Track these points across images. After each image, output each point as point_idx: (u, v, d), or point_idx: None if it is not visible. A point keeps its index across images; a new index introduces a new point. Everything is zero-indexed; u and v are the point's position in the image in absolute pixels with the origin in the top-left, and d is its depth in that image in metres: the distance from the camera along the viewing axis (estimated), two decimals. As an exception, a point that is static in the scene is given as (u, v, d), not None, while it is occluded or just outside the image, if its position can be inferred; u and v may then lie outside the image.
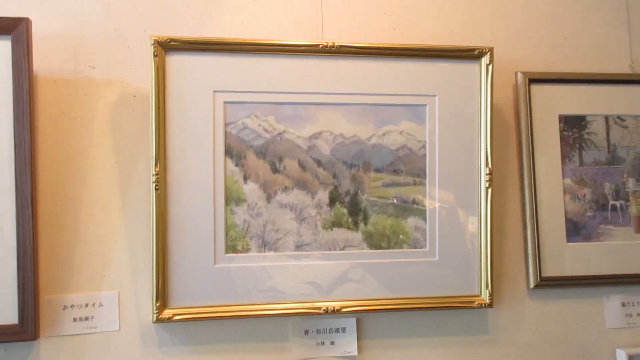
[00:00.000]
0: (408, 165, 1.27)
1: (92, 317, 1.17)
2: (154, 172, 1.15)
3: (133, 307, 1.18)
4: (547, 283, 1.31)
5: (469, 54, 1.26)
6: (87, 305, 1.17)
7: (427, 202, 1.26)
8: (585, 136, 1.35)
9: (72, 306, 1.16)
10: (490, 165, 1.26)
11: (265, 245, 1.22)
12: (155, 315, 1.15)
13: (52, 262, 1.15)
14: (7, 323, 1.10)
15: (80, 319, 1.16)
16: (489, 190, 1.26)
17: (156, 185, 1.15)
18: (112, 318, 1.18)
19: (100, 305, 1.17)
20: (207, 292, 1.19)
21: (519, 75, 1.32)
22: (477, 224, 1.27)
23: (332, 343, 1.25)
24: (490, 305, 1.27)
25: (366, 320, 1.26)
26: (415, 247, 1.27)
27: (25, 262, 1.11)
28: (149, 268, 1.16)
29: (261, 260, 1.21)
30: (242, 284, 1.20)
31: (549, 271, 1.31)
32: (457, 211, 1.27)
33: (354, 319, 1.25)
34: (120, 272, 1.18)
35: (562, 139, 1.34)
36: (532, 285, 1.31)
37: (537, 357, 1.31)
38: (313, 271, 1.23)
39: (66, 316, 1.15)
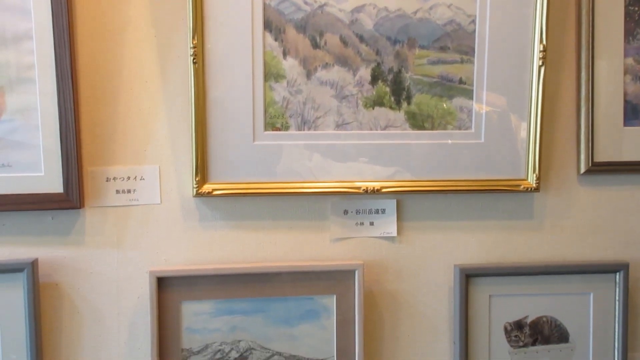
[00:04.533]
0: (456, 42, 1.20)
1: (134, 190, 1.19)
2: (191, 45, 1.13)
3: (174, 182, 1.19)
4: (599, 168, 1.25)
5: None
6: (129, 178, 1.18)
7: (475, 81, 1.20)
8: (653, 12, 1.24)
9: (114, 178, 1.18)
10: (544, 42, 1.18)
11: (304, 123, 1.19)
12: (195, 190, 1.16)
13: (95, 136, 1.16)
14: (53, 192, 1.14)
15: (123, 191, 1.18)
16: (542, 69, 1.18)
17: (194, 59, 1.13)
18: (153, 192, 1.19)
19: (142, 178, 1.19)
20: (246, 169, 1.18)
21: (583, -57, 1.21)
22: (527, 105, 1.21)
23: (372, 224, 1.24)
24: (537, 189, 1.22)
25: (406, 202, 1.24)
26: (460, 129, 1.22)
27: (67, 133, 1.12)
28: (188, 144, 1.16)
29: (300, 138, 1.19)
30: (280, 161, 1.19)
31: (602, 156, 1.25)
32: (506, 91, 1.20)
33: (394, 201, 1.23)
34: (160, 147, 1.18)
35: (627, 14, 1.23)
36: (582, 170, 1.25)
37: (583, 244, 1.28)
38: (353, 151, 1.20)
39: (109, 188, 1.18)
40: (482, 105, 1.21)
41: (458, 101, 1.21)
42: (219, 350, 1.18)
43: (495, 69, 1.20)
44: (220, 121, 1.16)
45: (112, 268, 1.19)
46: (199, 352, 1.18)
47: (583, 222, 1.28)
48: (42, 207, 1.14)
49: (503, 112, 1.21)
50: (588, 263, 1.26)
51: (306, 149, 1.19)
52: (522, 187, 1.23)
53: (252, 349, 1.19)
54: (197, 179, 1.16)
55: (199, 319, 1.18)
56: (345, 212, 1.24)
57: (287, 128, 1.19)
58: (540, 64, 1.19)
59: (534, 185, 1.22)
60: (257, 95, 1.17)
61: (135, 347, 1.19)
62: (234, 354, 1.19)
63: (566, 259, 1.27)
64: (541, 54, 1.18)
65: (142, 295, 1.19)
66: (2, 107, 1.12)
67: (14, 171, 1.13)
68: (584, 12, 1.22)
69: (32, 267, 1.13)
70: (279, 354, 1.20)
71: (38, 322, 1.15)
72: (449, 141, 1.21)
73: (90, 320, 1.18)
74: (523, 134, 1.22)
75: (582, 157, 1.25)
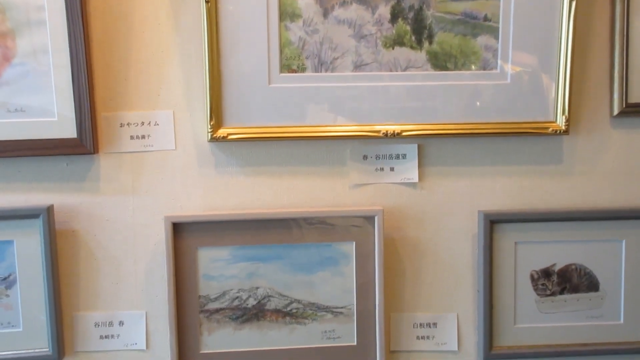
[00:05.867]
0: (480, -24, 1.14)
1: (149, 136, 1.16)
2: (203, -16, 1.09)
3: (188, 127, 1.16)
4: (633, 110, 1.18)
5: None
6: (143, 123, 1.16)
7: (501, 18, 1.14)
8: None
9: (128, 124, 1.16)
10: (576, -27, 1.11)
11: (321, 64, 1.15)
12: (209, 134, 1.13)
13: (107, 80, 1.14)
14: (66, 137, 1.12)
15: (137, 137, 1.16)
16: (573, 3, 1.11)
17: (206, -1, 1.10)
18: (168, 137, 1.17)
19: (156, 124, 1.16)
20: (261, 112, 1.15)
21: None
22: (556, 42, 1.14)
23: (392, 169, 1.20)
24: (566, 132, 1.16)
25: (428, 146, 1.19)
26: (484, 69, 1.16)
27: (79, 77, 1.10)
28: (202, 87, 1.13)
29: (317, 80, 1.15)
30: (297, 105, 1.15)
31: (637, 97, 1.18)
32: (533, 27, 1.14)
33: (415, 145, 1.19)
34: (174, 91, 1.15)
35: (666, -57, 1.15)
36: (615, 112, 1.18)
37: (615, 189, 1.21)
38: (372, 93, 1.15)
39: (123, 133, 1.16)
40: (508, 43, 1.15)
41: (483, 40, 1.15)
42: (237, 297, 1.17)
43: (523, 4, 1.13)
44: (235, 64, 1.13)
45: (127, 215, 1.17)
46: (216, 299, 1.17)
47: (615, 166, 1.21)
48: (56, 153, 1.12)
49: (531, 50, 1.15)
50: (620, 209, 1.20)
51: (323, 91, 1.15)
52: (550, 129, 1.17)
53: (270, 296, 1.17)
54: (211, 124, 1.13)
55: (215, 265, 1.16)
56: (365, 157, 1.20)
57: (303, 70, 1.15)
58: (572, -3, 1.12)
59: (563, 127, 1.16)
60: (272, 35, 1.13)
61: (152, 293, 1.18)
62: (251, 301, 1.17)
63: (597, 205, 1.21)
64: (572, -14, 1.12)
65: (159, 242, 1.17)
66: (13, 51, 1.10)
67: (28, 116, 1.11)
68: (619, -59, 1.14)
69: (47, 213, 1.12)
70: (298, 301, 1.18)
71: (55, 268, 1.14)
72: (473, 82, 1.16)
73: (107, 266, 1.18)
74: (552, 73, 1.15)
75: (615, 97, 1.18)
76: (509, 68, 1.16)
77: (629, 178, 1.21)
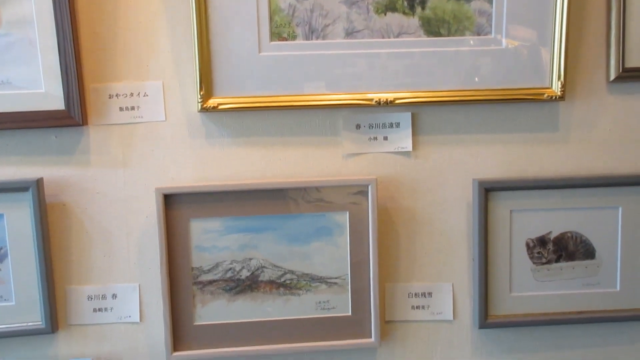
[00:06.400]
0: (474, -62, 1.11)
1: (138, 107, 1.15)
2: (190, -52, 1.07)
3: (178, 98, 1.15)
4: (630, 74, 1.16)
5: None
6: (132, 94, 1.14)
7: (495, -19, 1.12)
8: None
9: (117, 95, 1.14)
10: None
11: (312, 32, 1.13)
12: (199, 104, 1.12)
13: (95, 51, 1.12)
14: (54, 109, 1.10)
15: (127, 109, 1.15)
16: (569, -36, 1.09)
17: (193, -36, 1.07)
18: (157, 108, 1.15)
19: (145, 95, 1.14)
20: (252, 81, 1.13)
21: None
22: (552, 5, 1.12)
23: (385, 138, 1.18)
24: (562, 98, 1.14)
25: (422, 114, 1.18)
26: (479, 34, 1.14)
27: (66, 48, 1.08)
28: (191, 57, 1.11)
29: (308, 48, 1.13)
30: (288, 73, 1.13)
31: (634, 61, 1.15)
32: (529, -9, 1.12)
33: (409, 114, 1.17)
34: (163, 61, 1.14)
35: None
36: (612, 77, 1.16)
37: (612, 156, 1.20)
38: (364, 60, 1.13)
39: (112, 105, 1.14)
40: (502, 7, 1.13)
41: (476, 4, 1.13)
42: (230, 269, 1.16)
43: (517, -34, 1.11)
44: (224, 32, 1.11)
45: (119, 187, 1.16)
46: (209, 270, 1.16)
47: (612, 132, 1.19)
48: (45, 125, 1.11)
49: (526, 14, 1.13)
50: (616, 175, 1.19)
51: (315, 59, 1.13)
52: (545, 95, 1.15)
53: (264, 267, 1.16)
54: (201, 94, 1.12)
55: (208, 237, 1.15)
56: (358, 126, 1.18)
57: (294, 37, 1.13)
58: (567, -42, 1.09)
59: (559, 93, 1.14)
60: (261, 2, 1.11)
61: (145, 266, 1.18)
62: (245, 273, 1.16)
63: (593, 172, 1.20)
64: (568, -54, 1.09)
65: (151, 214, 1.16)
66: (-2, 21, 1.08)
67: (14, 88, 1.10)
68: None
69: (37, 186, 1.11)
70: (291, 272, 1.17)
71: (47, 241, 1.13)
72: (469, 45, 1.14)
73: (99, 240, 1.17)
74: (547, 37, 1.13)
75: (612, 62, 1.16)
76: (503, 33, 1.14)
77: (625, 144, 1.20)
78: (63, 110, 1.10)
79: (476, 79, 1.15)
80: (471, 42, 1.14)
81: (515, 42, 1.14)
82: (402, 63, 1.14)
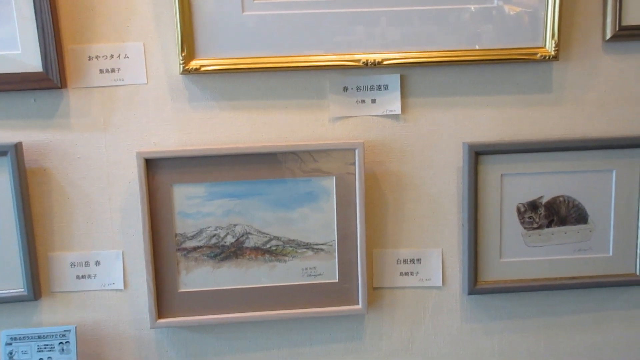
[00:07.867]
0: None
1: (119, 69, 1.11)
2: None
3: (160, 60, 1.11)
4: (626, 33, 1.12)
5: None
6: (112, 56, 1.11)
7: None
8: None
9: (97, 57, 1.11)
10: None
11: (297, -10, 1.09)
12: (182, 66, 1.08)
13: (73, 10, 1.08)
14: (32, 70, 1.07)
15: (107, 71, 1.11)
16: None
17: None
18: (139, 71, 1.12)
19: (126, 57, 1.11)
20: (235, 42, 1.09)
21: None
22: (545, -39, 1.08)
23: (374, 101, 1.15)
24: (556, 58, 1.11)
25: (411, 76, 1.14)
26: (470, -8, 1.10)
27: (42, 6, 1.04)
28: (173, 17, 1.07)
29: (293, 7, 1.09)
30: (273, 33, 1.09)
31: (631, 19, 1.11)
32: (522, -55, 1.08)
33: (398, 75, 1.14)
34: (144, 21, 1.10)
35: None
36: (608, 36, 1.12)
37: (607, 118, 1.16)
38: (351, 18, 1.10)
39: (92, 67, 1.11)
40: (494, -37, 1.09)
41: (468, -40, 1.09)
42: (214, 235, 1.14)
43: None
44: (206, -10, 1.07)
45: (100, 152, 1.13)
46: (193, 237, 1.14)
47: (607, 94, 1.16)
48: (22, 88, 1.08)
49: (518, -30, 1.09)
50: (611, 137, 1.16)
51: (300, 18, 1.09)
52: (539, 55, 1.11)
53: (249, 233, 1.14)
54: (183, 55, 1.08)
55: (191, 202, 1.12)
56: (345, 89, 1.15)
57: (278, -4, 1.09)
58: None
59: (553, 53, 1.11)
60: (244, -41, 1.07)
61: (128, 233, 1.15)
62: (229, 239, 1.14)
63: (586, 134, 1.17)
64: None
65: (133, 179, 1.13)
66: (-30, -21, 1.04)
67: (-11, 49, 1.07)
68: None
69: (15, 150, 1.08)
70: (277, 238, 1.15)
71: (27, 207, 1.11)
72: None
73: (81, 205, 1.14)
74: (541, -5, 1.10)
75: (608, 20, 1.12)
76: (495, -10, 1.10)
77: (620, 105, 1.16)
78: (41, 72, 1.07)
79: (466, 38, 1.11)
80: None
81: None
82: (389, 22, 1.10)
